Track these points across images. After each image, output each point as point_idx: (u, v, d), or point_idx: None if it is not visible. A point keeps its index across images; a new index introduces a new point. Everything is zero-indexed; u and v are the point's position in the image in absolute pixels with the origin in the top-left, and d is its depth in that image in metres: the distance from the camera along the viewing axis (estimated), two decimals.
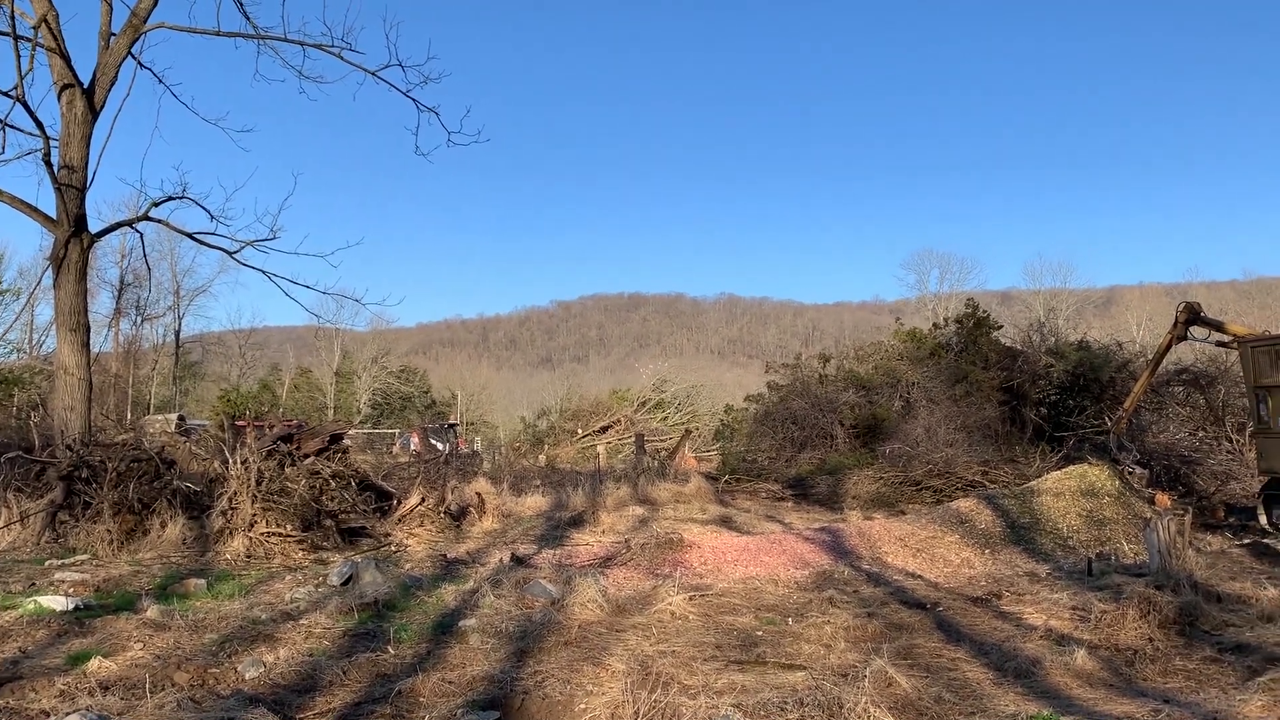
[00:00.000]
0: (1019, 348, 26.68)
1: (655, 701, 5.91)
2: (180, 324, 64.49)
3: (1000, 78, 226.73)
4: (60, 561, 11.97)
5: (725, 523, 17.78)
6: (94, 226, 18.14)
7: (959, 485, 20.00)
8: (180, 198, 17.80)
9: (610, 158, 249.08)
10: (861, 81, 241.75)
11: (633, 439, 33.74)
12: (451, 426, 49.48)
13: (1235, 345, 17.99)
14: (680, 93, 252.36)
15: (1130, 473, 17.79)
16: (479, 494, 18.33)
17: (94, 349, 19.40)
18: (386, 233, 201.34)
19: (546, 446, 38.54)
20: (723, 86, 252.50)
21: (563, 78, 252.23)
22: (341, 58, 14.87)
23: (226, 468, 13.89)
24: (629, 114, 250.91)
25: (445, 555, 13.46)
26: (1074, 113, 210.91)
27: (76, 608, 8.90)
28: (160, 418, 37.63)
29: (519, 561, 12.45)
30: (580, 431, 39.53)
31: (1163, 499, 15.96)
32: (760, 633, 8.60)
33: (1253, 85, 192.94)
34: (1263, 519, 16.13)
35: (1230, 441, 20.97)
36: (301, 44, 15.58)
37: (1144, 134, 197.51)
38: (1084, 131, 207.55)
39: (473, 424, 70.59)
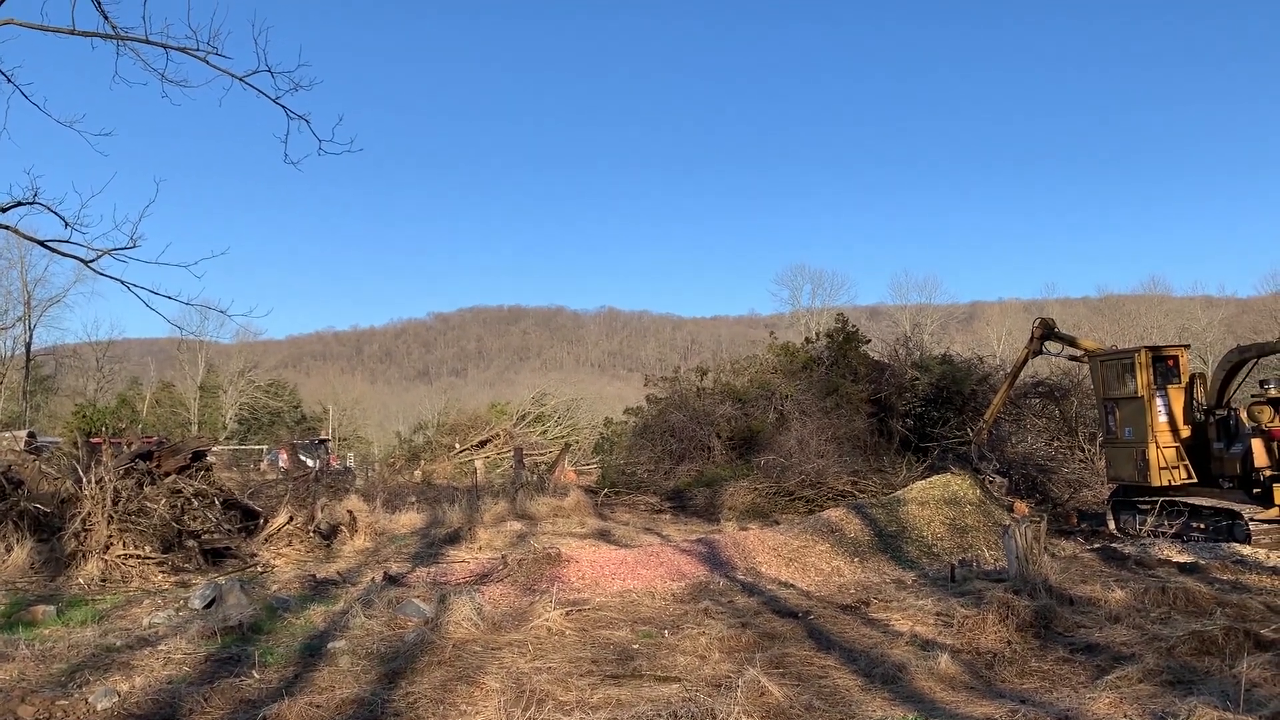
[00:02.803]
0: (886, 361, 27.52)
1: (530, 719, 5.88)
2: (31, 335, 61.03)
3: (871, 103, 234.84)
4: None
5: (604, 536, 17.80)
6: None
7: (830, 495, 20.49)
8: (31, 203, 16.81)
9: (490, 170, 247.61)
10: (741, 101, 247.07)
11: (511, 453, 33.47)
12: (323, 442, 48.15)
13: (1086, 359, 18.98)
14: (562, 108, 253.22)
15: (991, 481, 18.55)
16: (351, 512, 17.90)
17: None
18: (255, 243, 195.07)
19: (423, 462, 37.85)
20: (603, 103, 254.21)
21: (439, 89, 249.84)
22: (207, 62, 14.36)
23: (80, 487, 13.25)
24: (508, 128, 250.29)
25: (315, 575, 13.09)
26: (937, 138, 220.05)
27: None
28: (8, 435, 35.41)
29: (392, 580, 12.20)
30: (458, 446, 38.94)
31: (1020, 507, 16.55)
32: (636, 646, 8.63)
33: (1111, 115, 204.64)
34: (1111, 524, 17.04)
35: (1082, 451, 22.13)
36: (165, 46, 15.02)
37: (1004, 158, 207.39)
38: (945, 155, 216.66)
39: (345, 439, 68.72)
